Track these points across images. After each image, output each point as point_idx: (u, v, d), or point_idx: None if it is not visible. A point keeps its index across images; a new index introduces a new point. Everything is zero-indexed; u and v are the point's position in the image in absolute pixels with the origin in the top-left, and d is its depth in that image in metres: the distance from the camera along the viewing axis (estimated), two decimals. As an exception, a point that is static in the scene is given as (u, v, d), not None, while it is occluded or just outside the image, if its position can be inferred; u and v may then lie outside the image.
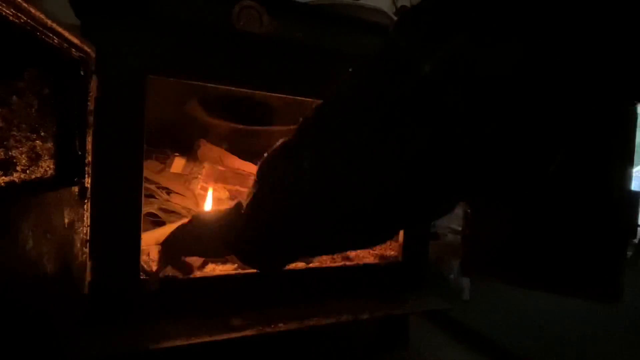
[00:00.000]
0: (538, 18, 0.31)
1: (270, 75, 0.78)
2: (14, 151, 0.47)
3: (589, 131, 0.39)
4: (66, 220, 0.58)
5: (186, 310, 0.73)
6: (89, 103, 0.62)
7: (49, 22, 0.49)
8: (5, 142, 0.45)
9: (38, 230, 0.50)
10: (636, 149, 0.60)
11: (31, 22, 0.45)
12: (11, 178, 0.47)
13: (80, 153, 0.61)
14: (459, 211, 0.77)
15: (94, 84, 0.63)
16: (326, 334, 0.93)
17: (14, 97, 0.47)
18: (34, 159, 0.52)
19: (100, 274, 0.66)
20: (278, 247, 0.49)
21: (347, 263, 0.92)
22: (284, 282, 0.83)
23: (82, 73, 0.60)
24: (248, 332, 0.71)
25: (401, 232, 0.94)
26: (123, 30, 0.66)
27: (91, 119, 0.63)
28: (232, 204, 0.57)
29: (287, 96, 0.83)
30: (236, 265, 0.85)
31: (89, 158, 0.63)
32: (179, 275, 0.76)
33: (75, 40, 0.56)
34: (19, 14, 0.43)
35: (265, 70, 0.77)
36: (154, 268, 0.74)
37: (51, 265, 0.54)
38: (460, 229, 0.80)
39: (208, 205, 0.91)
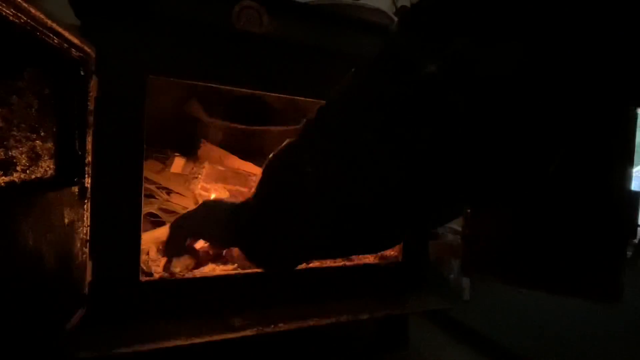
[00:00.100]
0: (539, 18, 0.31)
1: (270, 75, 0.78)
2: (14, 151, 0.47)
3: (589, 131, 0.39)
4: (66, 220, 0.58)
5: (186, 310, 0.73)
6: (89, 103, 0.62)
7: (49, 22, 0.49)
8: (5, 142, 0.45)
9: (38, 230, 0.50)
10: (636, 149, 0.61)
11: (31, 22, 0.45)
12: (11, 178, 0.47)
13: (80, 153, 0.61)
14: (459, 211, 0.77)
15: (94, 84, 0.63)
16: (326, 334, 0.93)
17: (14, 97, 0.47)
18: (34, 159, 0.52)
19: (100, 274, 0.66)
20: (284, 245, 0.49)
21: (347, 263, 0.92)
22: (284, 282, 0.83)
23: (82, 73, 0.60)
24: (248, 332, 0.71)
25: (401, 232, 0.94)
26: (123, 30, 0.66)
27: (91, 119, 0.63)
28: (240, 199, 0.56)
29: (287, 96, 0.83)
30: (236, 265, 0.85)
31: (89, 158, 0.63)
32: (179, 272, 0.76)
33: (75, 40, 0.56)
34: (19, 14, 0.43)
35: (265, 70, 0.77)
36: (158, 262, 0.74)
37: (51, 265, 0.54)
38: (460, 229, 0.80)
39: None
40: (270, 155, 0.49)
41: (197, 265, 0.82)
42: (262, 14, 0.73)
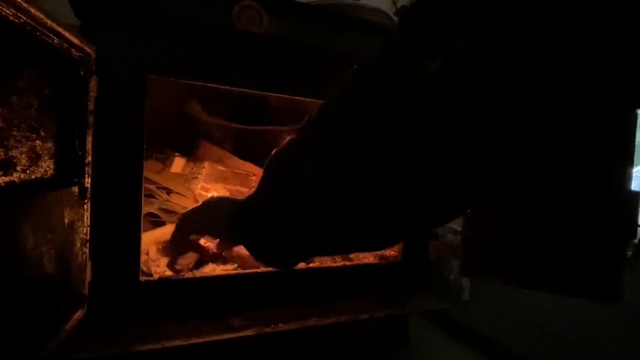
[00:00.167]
0: (540, 18, 0.31)
1: (270, 75, 0.78)
2: (14, 151, 0.47)
3: (590, 132, 0.39)
4: (66, 220, 0.58)
5: (186, 310, 0.73)
6: (89, 103, 0.62)
7: (49, 22, 0.48)
8: (5, 142, 0.45)
9: (38, 230, 0.50)
10: (636, 149, 0.61)
11: (31, 22, 0.45)
12: (11, 178, 0.47)
13: (80, 153, 0.61)
14: (459, 211, 0.77)
15: (94, 84, 0.63)
16: (326, 334, 0.93)
17: (14, 97, 0.47)
18: (34, 159, 0.52)
19: (100, 274, 0.66)
20: (284, 242, 0.49)
21: (347, 263, 0.92)
22: (284, 282, 0.83)
23: (82, 73, 0.60)
24: (248, 332, 0.71)
25: (401, 232, 0.94)
26: (123, 30, 0.66)
27: (91, 119, 0.63)
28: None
29: (287, 96, 0.83)
30: (236, 265, 0.85)
31: (89, 158, 0.63)
32: (186, 268, 0.76)
33: (75, 41, 0.56)
34: (19, 14, 0.43)
35: (265, 70, 0.77)
36: (158, 262, 0.74)
37: (51, 265, 0.54)
38: (460, 229, 0.80)
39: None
40: (272, 154, 0.49)
41: (201, 262, 0.82)
42: (262, 14, 0.73)
